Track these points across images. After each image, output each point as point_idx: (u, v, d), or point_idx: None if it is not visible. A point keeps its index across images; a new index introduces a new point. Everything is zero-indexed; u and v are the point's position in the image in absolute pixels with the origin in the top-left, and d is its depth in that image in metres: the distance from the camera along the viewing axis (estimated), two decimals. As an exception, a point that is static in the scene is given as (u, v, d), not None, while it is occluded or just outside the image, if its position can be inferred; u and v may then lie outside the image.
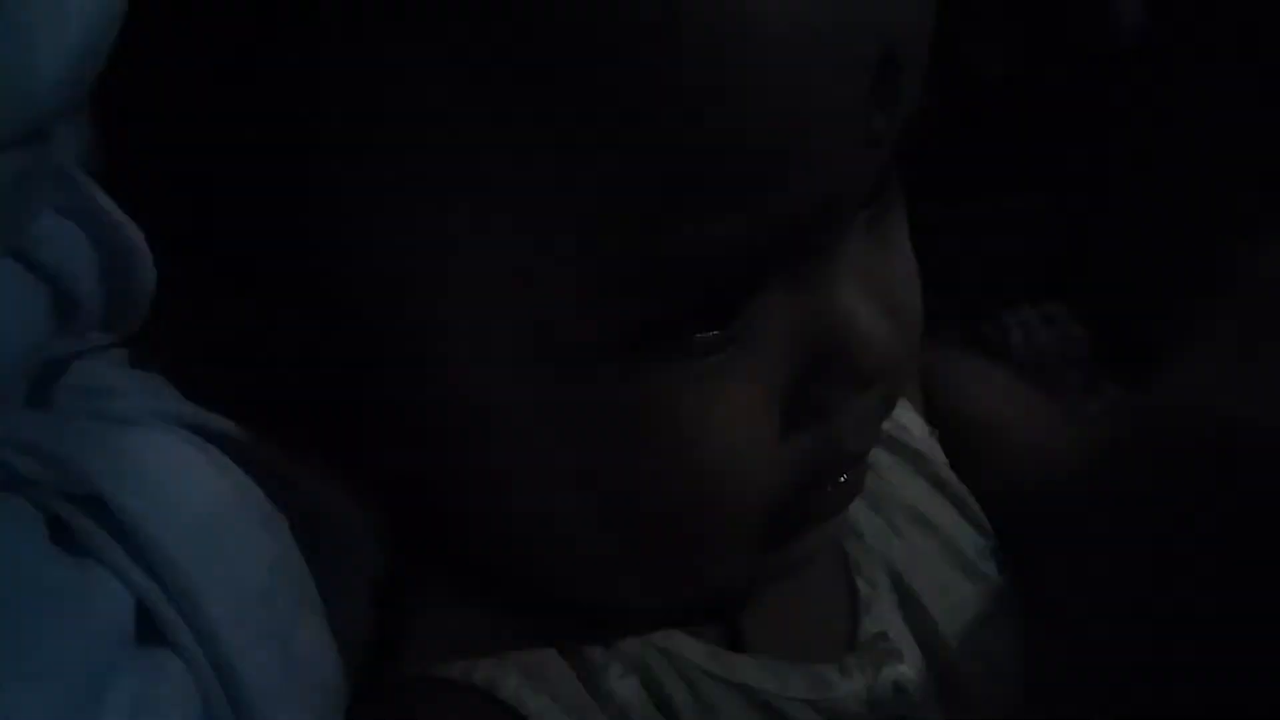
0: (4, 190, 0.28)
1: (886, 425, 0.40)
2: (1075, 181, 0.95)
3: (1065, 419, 0.48)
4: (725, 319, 0.32)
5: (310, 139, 0.31)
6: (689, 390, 0.32)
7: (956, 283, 0.41)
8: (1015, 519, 0.45)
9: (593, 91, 0.28)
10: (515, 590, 0.36)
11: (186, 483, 0.31)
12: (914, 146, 0.35)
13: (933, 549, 0.43)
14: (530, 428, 0.33)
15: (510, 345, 0.32)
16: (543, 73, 0.28)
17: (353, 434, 0.35)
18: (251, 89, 0.32)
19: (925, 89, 0.32)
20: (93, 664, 0.28)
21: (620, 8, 0.27)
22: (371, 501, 0.36)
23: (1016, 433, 0.46)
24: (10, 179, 0.28)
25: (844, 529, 0.41)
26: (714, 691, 0.36)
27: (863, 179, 0.32)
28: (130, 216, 0.31)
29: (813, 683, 0.37)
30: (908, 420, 0.46)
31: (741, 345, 0.32)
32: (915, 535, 0.43)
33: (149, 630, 0.30)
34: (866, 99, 0.30)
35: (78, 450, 0.30)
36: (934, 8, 0.32)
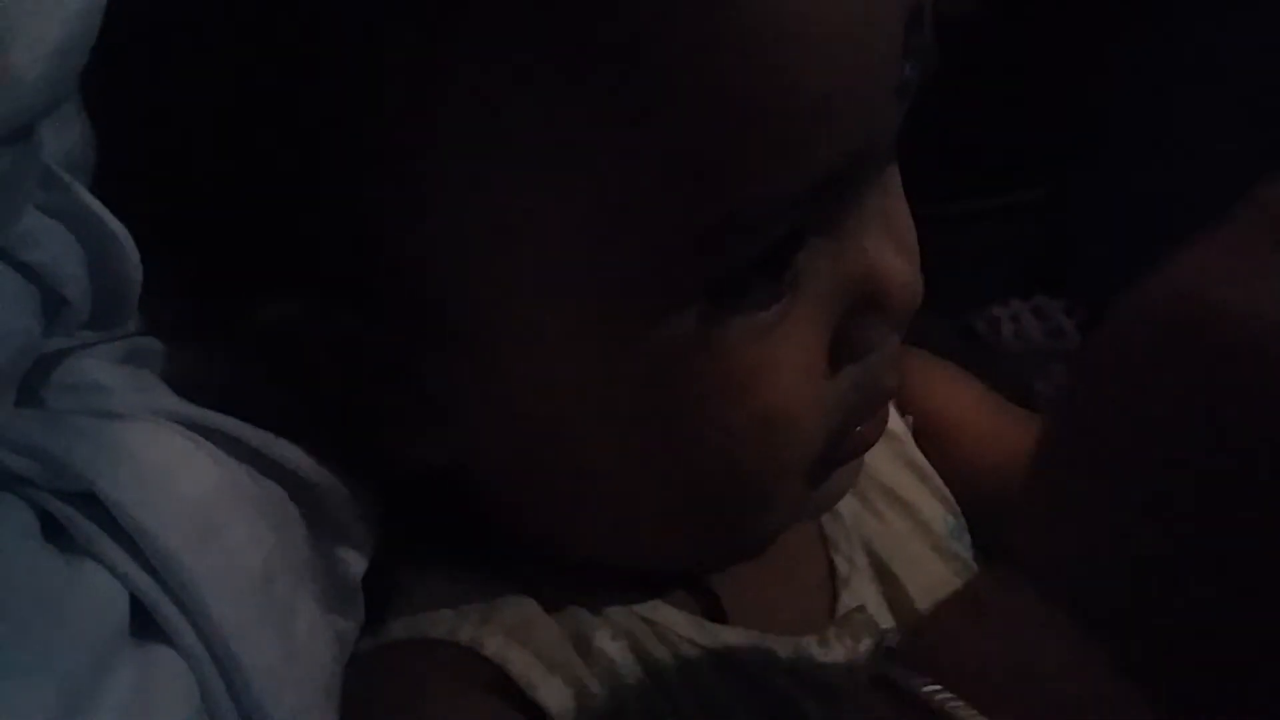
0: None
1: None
2: (1066, 176, 0.96)
3: (1018, 415, 0.49)
4: (779, 272, 0.33)
5: (374, 122, 0.31)
6: (751, 343, 0.33)
7: (947, 277, 0.41)
8: (974, 501, 0.46)
9: (664, 59, 0.29)
10: (530, 559, 0.37)
11: (180, 474, 0.31)
12: (909, 144, 0.36)
13: (907, 528, 0.44)
14: (597, 394, 0.34)
15: (578, 315, 0.32)
16: (612, 45, 0.29)
17: (378, 423, 0.35)
18: (312, 81, 0.31)
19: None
20: (88, 659, 0.28)
21: None
22: (367, 484, 0.36)
23: (973, 424, 0.48)
24: (-6, 178, 0.28)
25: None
26: (699, 660, 0.37)
27: (892, 128, 0.34)
28: (135, 217, 0.31)
29: (795, 653, 0.38)
30: None
31: (793, 296, 0.33)
32: (890, 515, 0.44)
33: (145, 624, 0.30)
34: (901, 50, 0.31)
35: (69, 446, 0.30)
36: None
